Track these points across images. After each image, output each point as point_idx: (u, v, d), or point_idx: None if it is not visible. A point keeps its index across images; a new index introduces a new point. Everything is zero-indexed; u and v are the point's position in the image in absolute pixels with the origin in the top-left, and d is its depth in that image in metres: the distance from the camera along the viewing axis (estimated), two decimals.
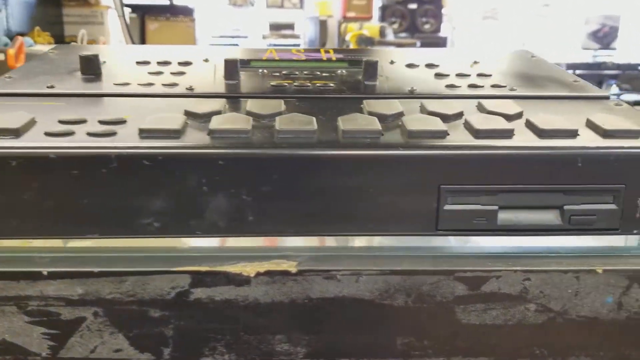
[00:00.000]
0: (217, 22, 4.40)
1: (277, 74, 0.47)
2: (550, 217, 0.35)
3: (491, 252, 0.35)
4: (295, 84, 0.45)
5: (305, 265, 0.32)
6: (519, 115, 0.38)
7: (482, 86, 0.45)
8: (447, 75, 0.48)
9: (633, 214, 0.35)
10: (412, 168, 0.33)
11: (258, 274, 0.32)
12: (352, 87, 0.45)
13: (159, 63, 0.49)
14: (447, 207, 0.34)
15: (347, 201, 0.33)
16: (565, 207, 0.35)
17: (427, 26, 3.85)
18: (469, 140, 0.35)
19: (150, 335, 0.33)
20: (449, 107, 0.39)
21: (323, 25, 3.90)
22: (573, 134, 0.35)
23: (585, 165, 0.34)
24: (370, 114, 0.37)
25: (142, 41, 3.20)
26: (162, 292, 0.32)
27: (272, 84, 0.45)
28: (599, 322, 0.34)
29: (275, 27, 4.44)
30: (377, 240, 0.37)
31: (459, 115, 0.38)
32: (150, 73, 0.46)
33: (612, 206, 0.35)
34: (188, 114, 0.36)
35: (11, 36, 2.13)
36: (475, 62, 0.52)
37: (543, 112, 0.39)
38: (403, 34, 3.75)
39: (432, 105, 0.39)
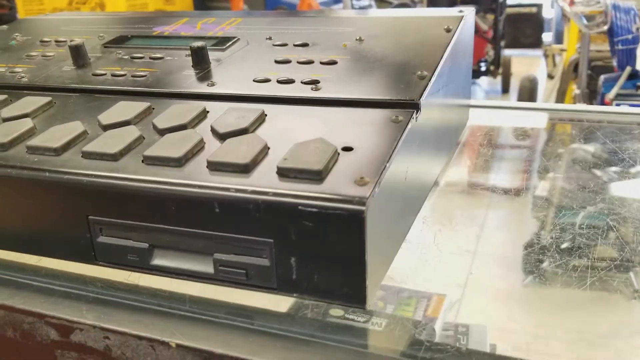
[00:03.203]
0: None
1: (132, 56, 0.47)
2: (201, 264, 0.31)
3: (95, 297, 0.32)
4: (120, 72, 0.44)
5: None
6: (223, 136, 0.34)
7: (293, 81, 0.40)
8: (289, 62, 0.43)
9: (289, 274, 0.29)
10: (56, 193, 0.32)
11: None
12: (162, 78, 0.43)
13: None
14: (100, 239, 0.33)
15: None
16: (215, 256, 0.31)
17: None
18: (135, 166, 0.32)
19: None
20: (182, 117, 0.36)
21: None
22: (244, 169, 0.30)
23: (225, 210, 0.29)
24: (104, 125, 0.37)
25: None
26: None
27: (96, 72, 0.45)
28: None
29: None
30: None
31: (179, 128, 0.35)
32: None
33: (265, 262, 0.30)
34: None
35: None
36: (359, 39, 0.45)
37: (265, 132, 0.33)
38: None
39: (167, 114, 0.37)
